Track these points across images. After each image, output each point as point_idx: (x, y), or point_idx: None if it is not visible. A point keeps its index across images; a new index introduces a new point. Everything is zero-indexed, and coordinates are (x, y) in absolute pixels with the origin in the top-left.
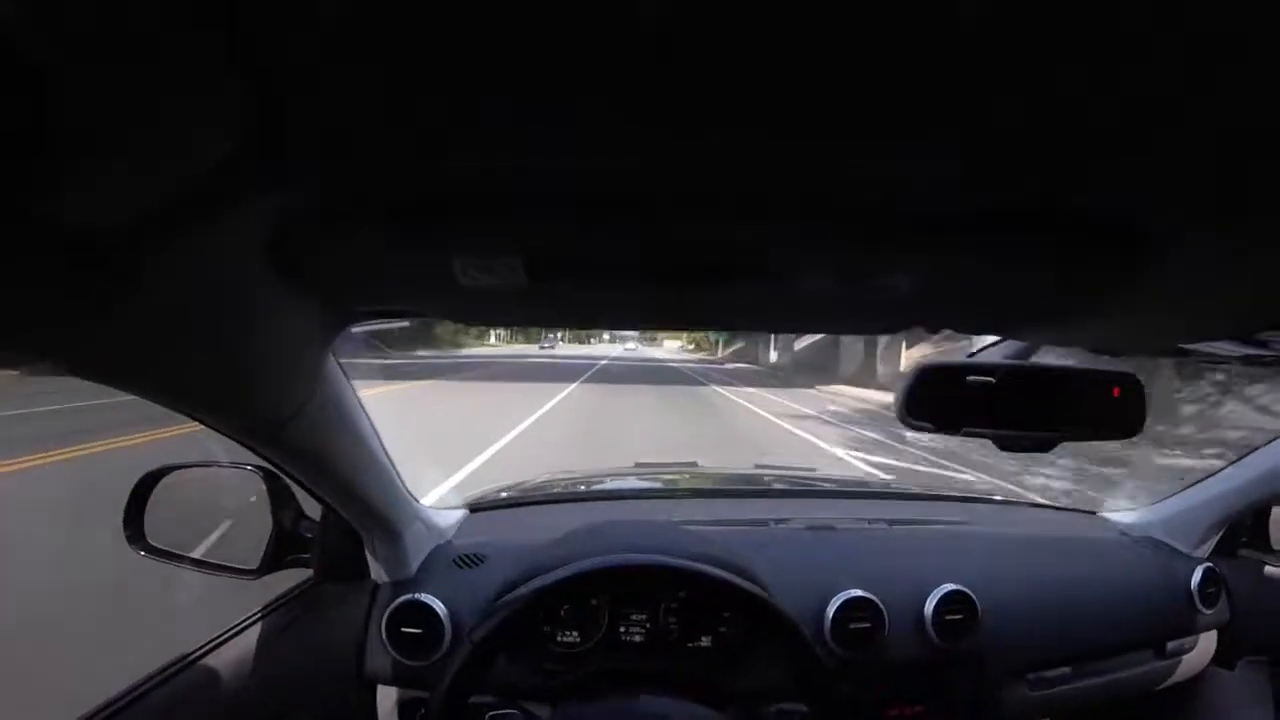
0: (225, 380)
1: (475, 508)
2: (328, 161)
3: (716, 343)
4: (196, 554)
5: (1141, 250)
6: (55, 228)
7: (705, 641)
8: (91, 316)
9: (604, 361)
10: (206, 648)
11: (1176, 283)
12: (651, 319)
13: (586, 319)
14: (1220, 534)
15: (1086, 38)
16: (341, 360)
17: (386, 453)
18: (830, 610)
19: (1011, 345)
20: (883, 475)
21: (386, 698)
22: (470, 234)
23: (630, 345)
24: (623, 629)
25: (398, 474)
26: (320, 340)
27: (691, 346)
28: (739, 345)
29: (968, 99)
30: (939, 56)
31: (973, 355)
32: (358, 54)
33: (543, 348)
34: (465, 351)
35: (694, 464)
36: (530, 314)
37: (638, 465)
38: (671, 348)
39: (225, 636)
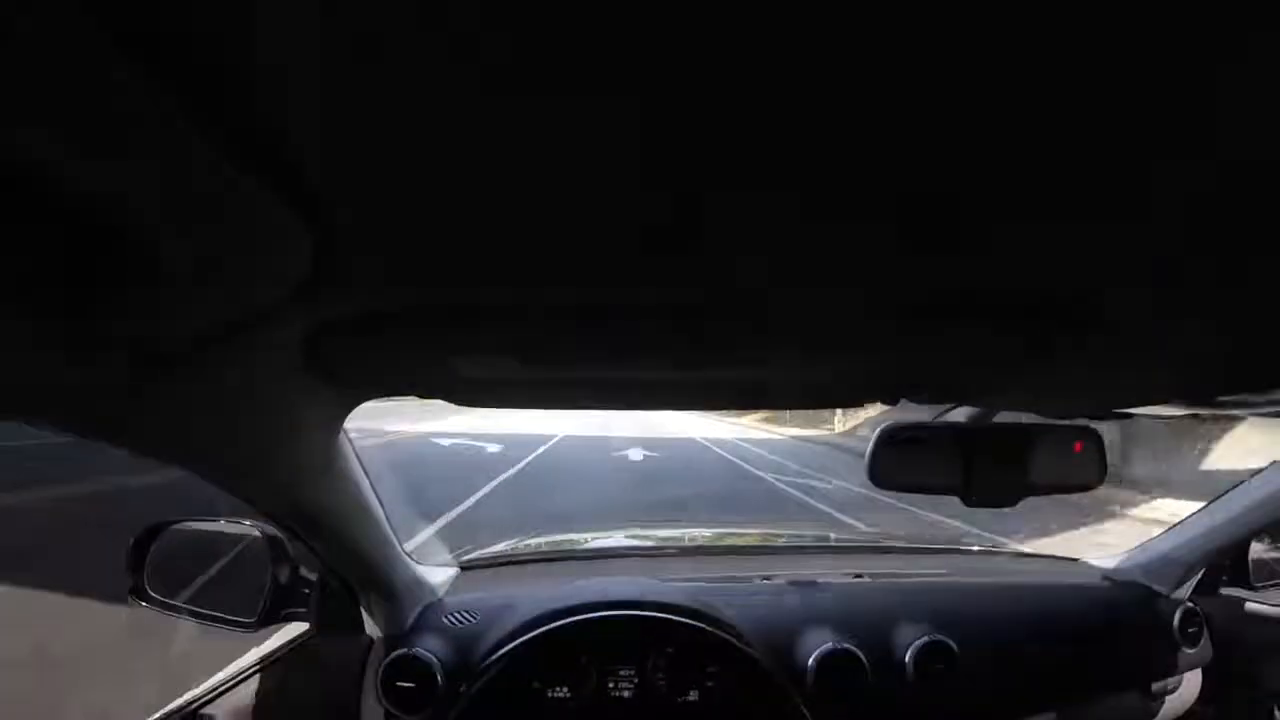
0: (252, 454)
1: (466, 566)
2: (356, 290)
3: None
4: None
5: (1079, 329)
6: (127, 339)
7: (693, 696)
8: (144, 399)
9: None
10: (204, 700)
11: (1113, 354)
12: (637, 401)
13: (572, 403)
14: (1200, 574)
15: (1010, 148)
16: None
17: (388, 517)
18: (811, 663)
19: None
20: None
21: None
22: (471, 337)
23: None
24: (611, 684)
25: (397, 537)
26: (335, 418)
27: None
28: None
29: (925, 220)
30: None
31: (938, 416)
32: (394, 225)
33: None
34: None
35: (681, 522)
36: (523, 398)
37: (628, 523)
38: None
39: (223, 689)
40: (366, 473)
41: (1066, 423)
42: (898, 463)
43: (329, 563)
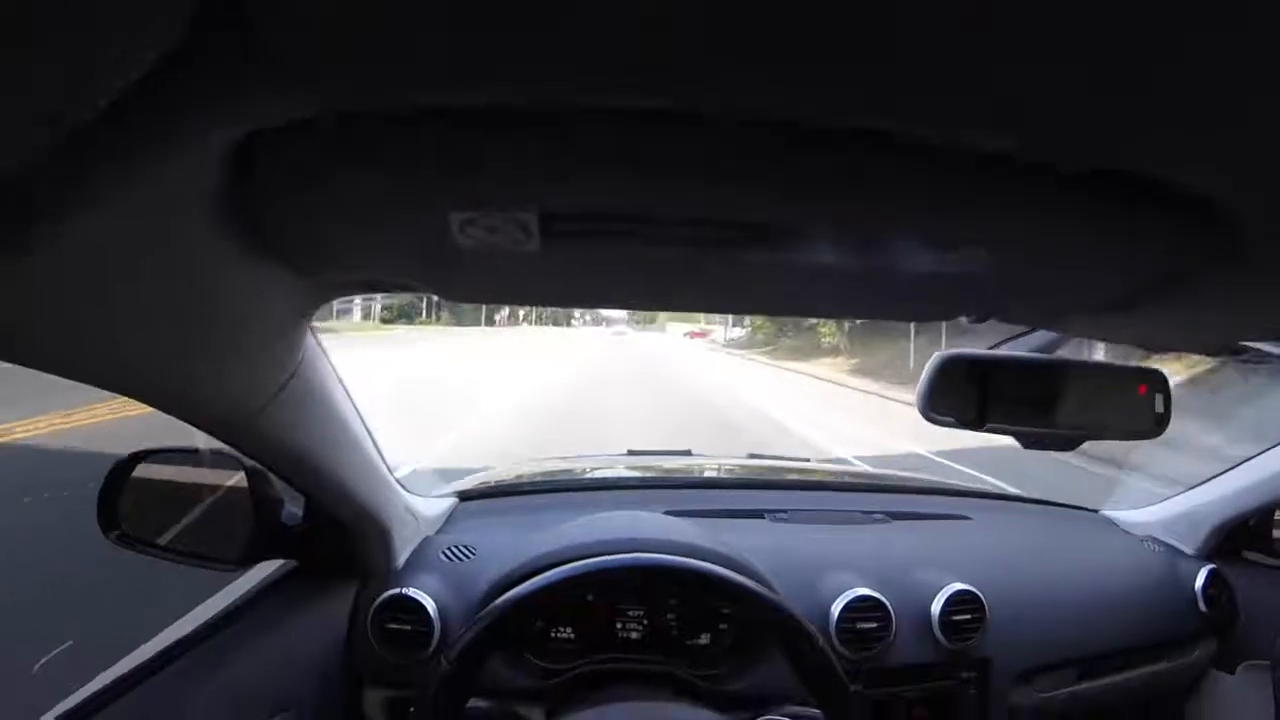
0: (180, 362)
1: (465, 496)
2: (292, 72)
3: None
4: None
5: (1226, 235)
6: None
7: (704, 639)
8: None
9: None
10: (186, 643)
11: (1259, 273)
12: (674, 295)
13: (598, 295)
14: (1223, 536)
15: None
16: None
17: (374, 439)
18: (836, 610)
19: (1037, 338)
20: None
21: (374, 694)
22: (471, 180)
23: (620, 329)
24: (619, 625)
25: (385, 462)
26: (295, 315)
27: (741, 332)
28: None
29: (1029, 52)
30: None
31: (995, 347)
32: None
33: None
34: None
35: (688, 452)
36: (537, 289)
37: (630, 453)
38: (675, 332)
39: (205, 632)
40: (347, 390)
41: (1131, 364)
42: (952, 396)
43: (310, 495)
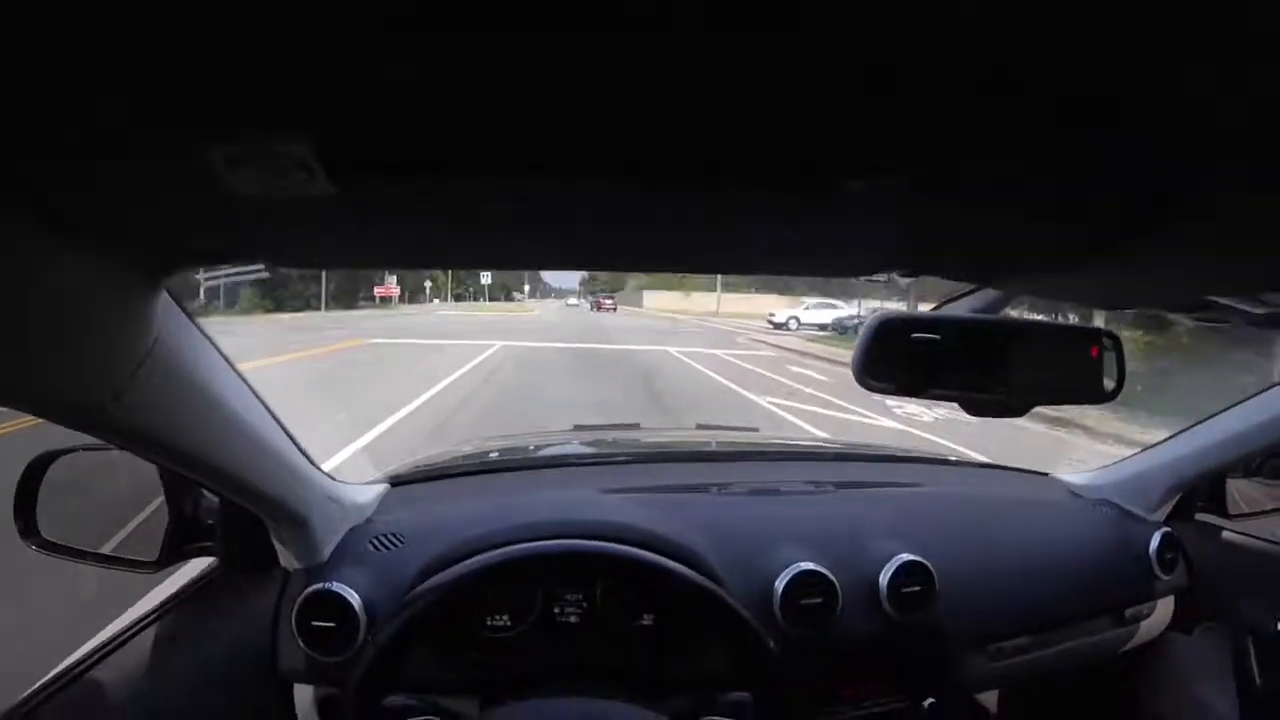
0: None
1: (397, 481)
2: None
3: None
4: (106, 549)
5: (1176, 182)
6: None
7: (647, 620)
8: None
9: None
10: (104, 651)
11: (1233, 216)
12: (565, 252)
13: (432, 255)
14: (1177, 498)
15: None
16: None
17: (281, 425)
18: (780, 586)
19: (981, 297)
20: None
21: (304, 694)
22: (231, 102)
23: (572, 301)
24: (558, 610)
25: (299, 448)
26: (135, 291)
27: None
28: None
29: None
30: None
31: (938, 307)
32: None
33: None
34: None
35: (635, 425)
36: (371, 250)
37: (576, 428)
38: (651, 304)
39: (124, 637)
40: (238, 372)
41: (1083, 324)
42: (891, 360)
43: (205, 486)
